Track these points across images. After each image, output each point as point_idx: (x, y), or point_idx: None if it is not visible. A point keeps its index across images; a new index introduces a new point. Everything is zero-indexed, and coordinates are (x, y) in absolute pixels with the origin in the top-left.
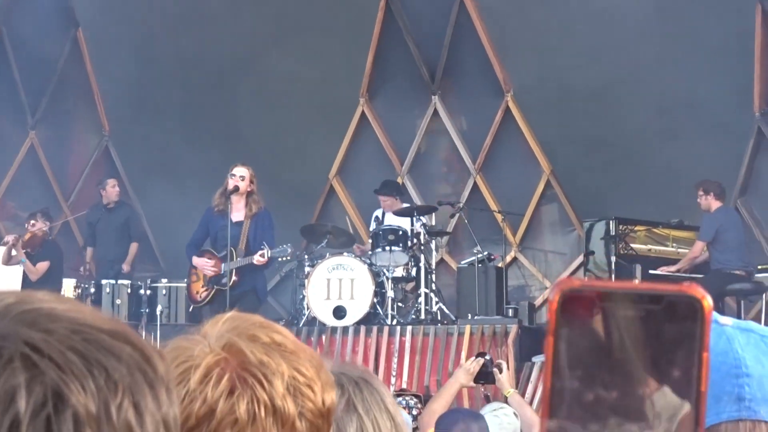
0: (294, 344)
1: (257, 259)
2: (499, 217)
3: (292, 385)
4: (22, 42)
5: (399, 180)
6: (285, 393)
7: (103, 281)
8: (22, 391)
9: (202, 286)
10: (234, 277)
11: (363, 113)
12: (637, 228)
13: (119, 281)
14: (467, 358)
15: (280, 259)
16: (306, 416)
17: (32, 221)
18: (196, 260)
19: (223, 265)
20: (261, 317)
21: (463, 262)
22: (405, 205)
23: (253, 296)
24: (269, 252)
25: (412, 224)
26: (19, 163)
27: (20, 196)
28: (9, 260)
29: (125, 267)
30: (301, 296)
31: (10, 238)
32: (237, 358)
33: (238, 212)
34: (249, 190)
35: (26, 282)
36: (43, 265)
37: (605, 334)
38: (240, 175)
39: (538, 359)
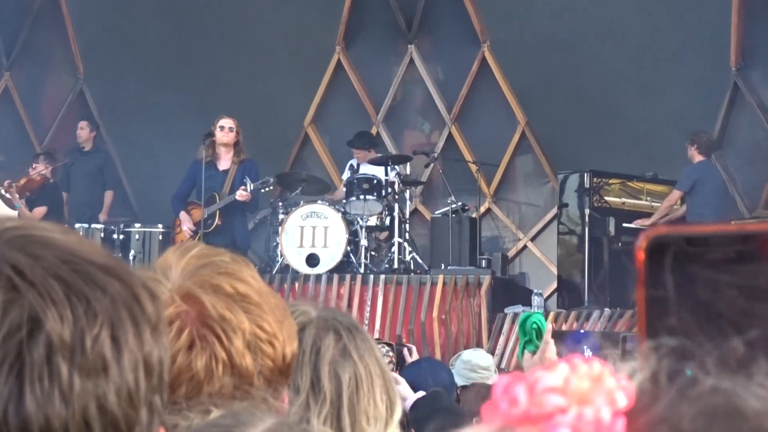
0: (259, 294)
1: (239, 193)
2: (473, 167)
3: (252, 342)
4: None
5: (374, 129)
6: (245, 351)
7: (77, 225)
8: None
9: (187, 235)
10: (218, 221)
11: (339, 61)
12: (611, 181)
13: (92, 225)
14: (440, 308)
15: (263, 191)
16: (264, 374)
17: (34, 164)
18: (182, 215)
19: (205, 209)
20: (229, 257)
21: (437, 212)
22: (379, 154)
23: (234, 248)
24: (251, 185)
25: (387, 173)
26: None
27: None
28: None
29: (102, 216)
30: (275, 243)
31: (5, 183)
32: (197, 311)
33: (225, 161)
34: (236, 140)
35: None
36: (40, 211)
37: (697, 280)
38: (229, 127)
39: (510, 310)
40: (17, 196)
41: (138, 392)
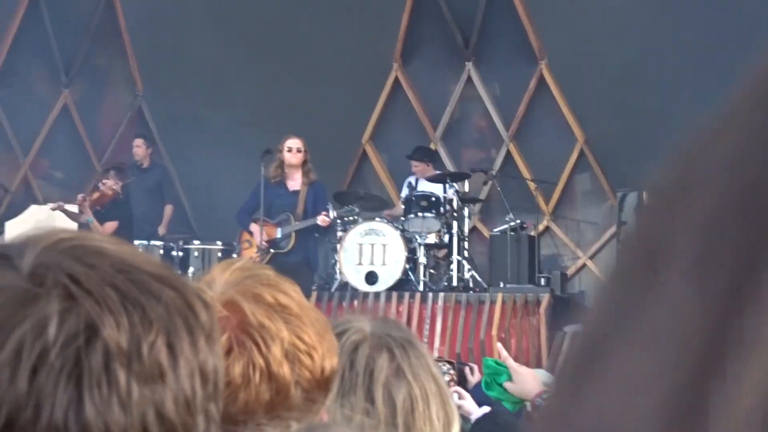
0: (299, 306)
1: (321, 219)
2: (532, 185)
3: (290, 351)
4: (57, 0)
5: (432, 146)
6: (282, 359)
7: (136, 242)
8: (54, 320)
9: (256, 252)
10: (293, 242)
11: (396, 78)
12: None
13: (152, 242)
14: (499, 326)
15: (346, 219)
16: (302, 385)
17: (104, 179)
18: (254, 227)
19: (279, 229)
20: (272, 272)
21: (495, 230)
22: (437, 171)
23: (307, 267)
24: (333, 212)
25: (445, 191)
26: (53, 122)
27: (54, 155)
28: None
29: (161, 230)
30: (333, 261)
31: (78, 198)
32: (237, 318)
33: (294, 181)
34: (304, 160)
35: None
36: (111, 225)
37: None
38: (296, 148)
39: (569, 329)
40: (89, 210)
41: (195, 400)
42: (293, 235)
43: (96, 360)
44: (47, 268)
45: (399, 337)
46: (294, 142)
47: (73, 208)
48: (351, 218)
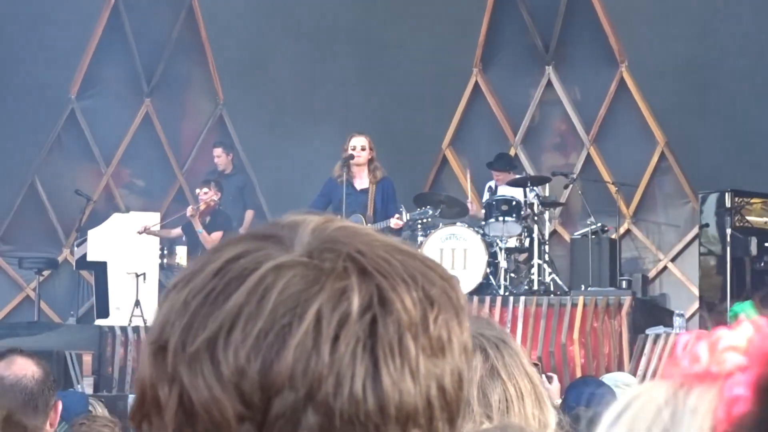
0: None
1: (395, 222)
2: (612, 188)
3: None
4: (138, 10)
5: (512, 151)
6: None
7: None
8: (354, 290)
9: None
10: None
11: (476, 83)
12: (753, 200)
13: None
14: (581, 329)
15: (420, 222)
16: None
17: (204, 189)
18: None
19: None
20: None
21: (576, 234)
22: (518, 176)
23: None
24: (407, 215)
25: (526, 195)
26: (135, 131)
27: (135, 164)
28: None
29: None
30: None
31: (189, 209)
32: None
33: (361, 180)
34: (370, 157)
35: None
36: (217, 235)
37: None
38: (360, 146)
39: (651, 331)
40: (199, 221)
41: (464, 376)
42: None
43: (390, 331)
44: (328, 245)
45: (492, 336)
46: (358, 141)
47: (156, 227)
48: (425, 220)
